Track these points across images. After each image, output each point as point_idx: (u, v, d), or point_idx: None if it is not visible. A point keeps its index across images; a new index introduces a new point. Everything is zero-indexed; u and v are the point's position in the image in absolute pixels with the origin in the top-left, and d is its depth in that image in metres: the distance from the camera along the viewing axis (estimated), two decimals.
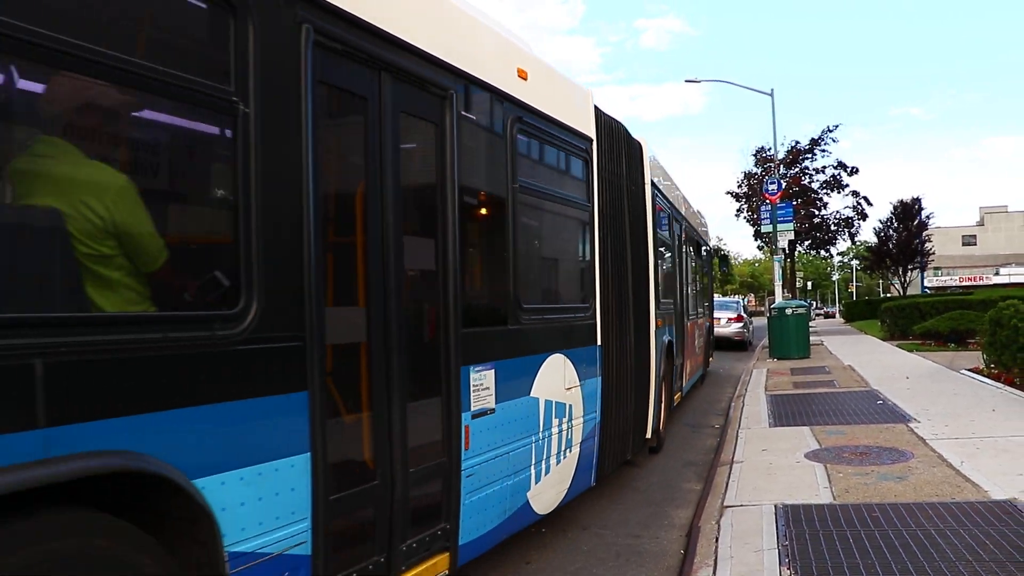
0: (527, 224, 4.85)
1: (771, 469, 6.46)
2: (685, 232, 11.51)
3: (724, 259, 17.60)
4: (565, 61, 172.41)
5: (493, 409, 4.11)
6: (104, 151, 2.38)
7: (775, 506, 5.26)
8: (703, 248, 14.44)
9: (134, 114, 2.47)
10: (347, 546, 3.14)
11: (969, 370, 12.45)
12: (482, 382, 4.00)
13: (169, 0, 2.52)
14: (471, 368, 3.90)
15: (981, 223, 76.38)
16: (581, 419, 5.36)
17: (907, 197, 42.84)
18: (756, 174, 33.68)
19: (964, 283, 63.91)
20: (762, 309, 57.23)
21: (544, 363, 4.78)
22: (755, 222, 32.11)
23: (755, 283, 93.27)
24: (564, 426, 5.06)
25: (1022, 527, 4.52)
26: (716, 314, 22.65)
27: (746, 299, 61.10)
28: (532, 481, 4.62)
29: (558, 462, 4.99)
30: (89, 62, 2.17)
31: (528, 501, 4.59)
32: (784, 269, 27.42)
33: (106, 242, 2.29)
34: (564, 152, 5.42)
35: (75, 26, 2.15)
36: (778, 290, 23.60)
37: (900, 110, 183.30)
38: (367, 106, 3.28)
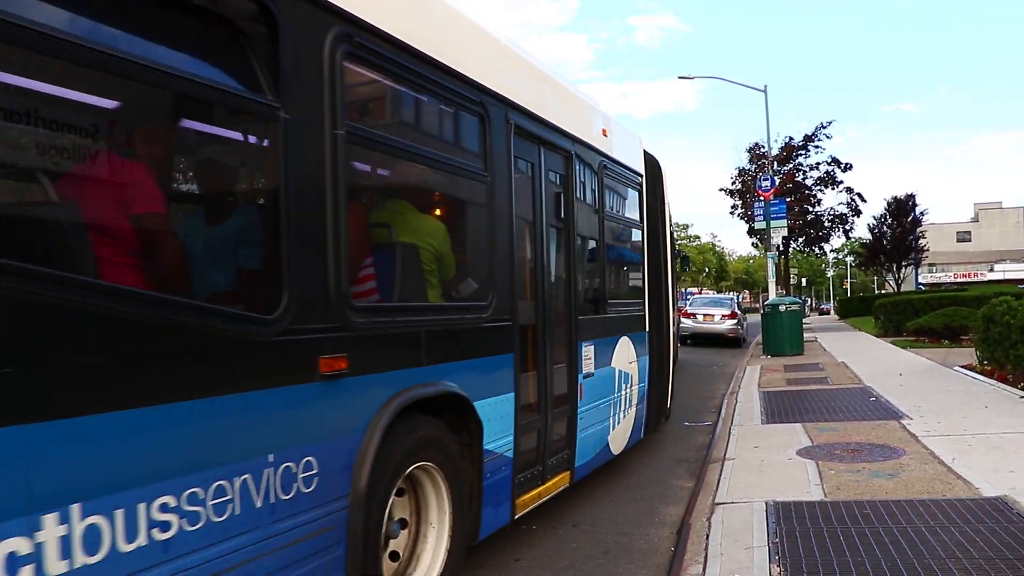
0: (609, 241, 7.04)
1: (763, 466, 6.79)
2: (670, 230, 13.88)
3: (685, 259, 19.83)
4: (558, 58, 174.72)
5: (593, 373, 6.25)
6: (427, 207, 4.50)
7: (766, 503, 5.53)
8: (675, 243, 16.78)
9: (439, 188, 4.61)
10: (526, 456, 5.23)
11: (962, 367, 12.96)
12: (588, 354, 6.14)
13: (456, 117, 4.63)
14: (582, 343, 6.04)
15: (976, 219, 79.31)
16: (637, 386, 7.55)
17: (901, 193, 44.41)
18: (750, 171, 35.36)
19: (958, 279, 66.27)
20: (757, 306, 59.71)
21: (618, 343, 6.94)
22: (749, 219, 33.60)
23: (750, 280, 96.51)
24: (628, 390, 7.24)
25: (1012, 524, 4.74)
26: (711, 310, 25.44)
27: (740, 295, 63.84)
28: (611, 428, 6.78)
29: (624, 416, 7.15)
30: (420, 156, 4.30)
31: (608, 443, 6.75)
32: (778, 266, 29.37)
33: (434, 263, 4.39)
34: (628, 187, 7.65)
35: (413, 136, 4.28)
36: (772, 287, 25.52)
37: (892, 107, 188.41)
38: (533, 169, 5.43)
